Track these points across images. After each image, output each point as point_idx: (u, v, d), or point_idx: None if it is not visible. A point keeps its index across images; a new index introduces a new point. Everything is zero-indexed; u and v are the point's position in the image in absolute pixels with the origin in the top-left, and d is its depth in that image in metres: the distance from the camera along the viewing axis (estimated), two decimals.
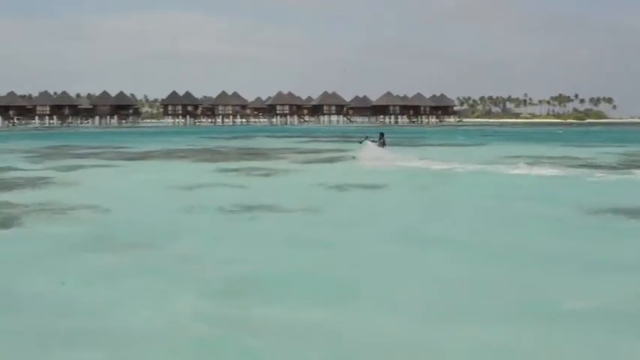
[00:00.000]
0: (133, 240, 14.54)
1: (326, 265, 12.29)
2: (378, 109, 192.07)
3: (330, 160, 39.37)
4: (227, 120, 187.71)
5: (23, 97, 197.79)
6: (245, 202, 20.00)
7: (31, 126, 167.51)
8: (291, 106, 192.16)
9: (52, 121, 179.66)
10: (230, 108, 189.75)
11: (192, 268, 12.08)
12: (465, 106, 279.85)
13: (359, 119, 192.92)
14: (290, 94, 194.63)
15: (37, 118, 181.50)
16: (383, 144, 41.50)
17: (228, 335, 8.67)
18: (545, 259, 12.67)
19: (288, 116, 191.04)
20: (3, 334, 8.77)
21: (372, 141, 41.48)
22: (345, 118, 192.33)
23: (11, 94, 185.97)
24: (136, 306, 9.78)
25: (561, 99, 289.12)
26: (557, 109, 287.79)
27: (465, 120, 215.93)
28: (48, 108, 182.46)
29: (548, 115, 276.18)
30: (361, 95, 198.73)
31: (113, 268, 12.11)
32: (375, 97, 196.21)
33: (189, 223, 16.98)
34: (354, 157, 39.88)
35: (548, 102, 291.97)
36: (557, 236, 15.16)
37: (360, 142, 42.33)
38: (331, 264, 12.38)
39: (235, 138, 79.56)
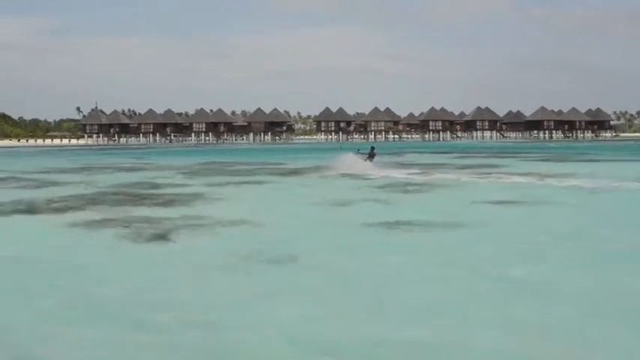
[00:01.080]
0: (276, 256, 14.26)
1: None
2: (532, 125, 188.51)
3: (481, 176, 38.49)
4: (379, 136, 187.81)
5: (180, 114, 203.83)
6: (389, 219, 19.48)
7: (187, 143, 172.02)
8: (443, 121, 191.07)
9: (207, 138, 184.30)
10: (382, 124, 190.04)
11: (336, 285, 11.76)
12: (622, 121, 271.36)
13: (512, 135, 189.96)
14: (443, 109, 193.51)
15: (193, 135, 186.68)
16: (372, 157, 46.21)
17: None
18: None
19: (441, 132, 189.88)
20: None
21: (362, 154, 46.34)
22: (498, 134, 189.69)
23: (168, 112, 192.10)
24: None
25: None
26: None
27: (621, 135, 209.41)
28: (204, 125, 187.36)
29: None
30: (514, 110, 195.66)
31: (257, 284, 11.95)
32: (528, 111, 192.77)
33: (334, 241, 16.57)
34: (328, 167, 43.78)
35: None
36: None
37: (355, 153, 46.31)
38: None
39: (388, 154, 79.20)
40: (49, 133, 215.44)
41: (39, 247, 16.24)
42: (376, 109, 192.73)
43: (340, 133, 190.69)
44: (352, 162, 44.07)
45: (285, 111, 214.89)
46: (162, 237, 16.87)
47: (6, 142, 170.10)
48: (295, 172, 42.86)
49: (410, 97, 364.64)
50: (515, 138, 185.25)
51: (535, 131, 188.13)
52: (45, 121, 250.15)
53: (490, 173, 39.99)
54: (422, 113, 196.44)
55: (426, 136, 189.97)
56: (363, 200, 25.50)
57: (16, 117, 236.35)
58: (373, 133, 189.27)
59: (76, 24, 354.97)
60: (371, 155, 46.59)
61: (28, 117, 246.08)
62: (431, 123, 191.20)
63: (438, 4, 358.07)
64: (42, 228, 19.06)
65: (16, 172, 45.56)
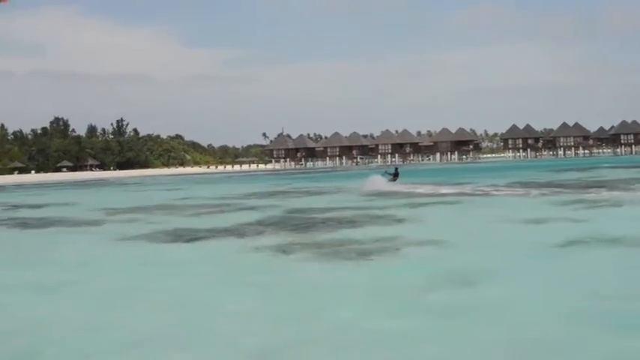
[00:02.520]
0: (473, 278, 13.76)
1: None
2: None
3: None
4: (569, 152, 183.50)
5: (365, 136, 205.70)
6: (585, 236, 18.70)
7: (373, 165, 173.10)
8: (636, 134, 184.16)
9: (393, 159, 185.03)
10: (571, 139, 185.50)
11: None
12: None
13: None
14: (634, 122, 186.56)
15: (379, 156, 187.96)
16: (395, 176, 51.10)
17: None
18: None
19: (633, 146, 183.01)
20: None
21: (388, 174, 51.71)
22: None
23: (354, 134, 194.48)
24: None
25: None
26: None
27: None
28: (389, 146, 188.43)
29: None
30: None
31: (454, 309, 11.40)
32: None
33: (533, 262, 15.72)
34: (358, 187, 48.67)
35: None
36: None
37: (382, 175, 51.96)
38: None
39: (577, 170, 77.04)
40: (237, 159, 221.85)
41: (235, 269, 16.52)
42: (564, 125, 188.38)
43: (528, 150, 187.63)
44: (380, 183, 49.11)
45: (471, 129, 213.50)
46: (350, 259, 16.75)
47: (196, 169, 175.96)
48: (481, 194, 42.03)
49: (600, 110, 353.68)
50: None
51: None
52: (233, 147, 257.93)
53: None
54: (612, 127, 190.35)
55: (618, 150, 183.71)
56: (551, 219, 24.44)
57: (205, 144, 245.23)
58: (562, 148, 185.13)
59: (260, 53, 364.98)
60: (395, 176, 51.39)
61: (217, 144, 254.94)
62: (622, 137, 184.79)
63: (634, 13, 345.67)
64: (237, 251, 19.35)
65: (205, 198, 47.01)
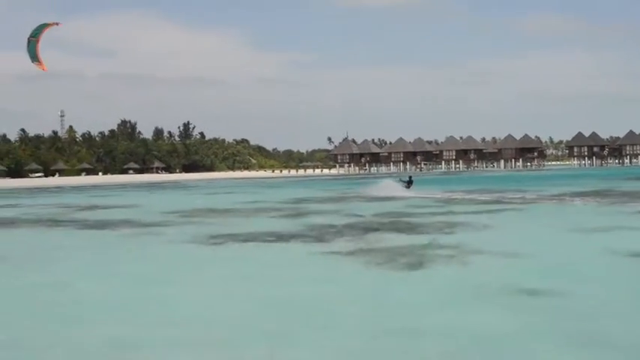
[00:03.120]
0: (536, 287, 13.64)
1: None
2: None
3: None
4: (635, 160, 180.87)
5: (430, 142, 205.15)
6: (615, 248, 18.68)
7: (437, 171, 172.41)
8: None
9: (457, 166, 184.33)
10: (638, 147, 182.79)
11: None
12: None
13: None
14: None
15: (443, 163, 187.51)
16: (409, 184, 53.86)
17: None
18: None
19: None
20: None
21: (403, 181, 55.41)
22: None
23: (418, 140, 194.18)
24: None
25: None
26: None
27: None
28: (454, 153, 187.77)
29: None
30: None
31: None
32: None
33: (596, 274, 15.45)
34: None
35: None
36: None
37: (397, 181, 56.35)
38: None
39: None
40: (301, 164, 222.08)
41: (299, 274, 16.59)
42: (631, 132, 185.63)
43: (594, 157, 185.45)
44: (392, 188, 52.57)
45: (536, 136, 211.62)
46: (412, 266, 16.75)
47: (261, 173, 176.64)
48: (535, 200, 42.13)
49: None
50: None
51: None
52: (298, 151, 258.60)
53: None
54: None
55: None
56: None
57: (270, 148, 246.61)
58: (628, 157, 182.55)
59: (328, 57, 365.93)
60: (409, 183, 54.20)
61: (282, 148, 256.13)
62: None
63: None
64: (298, 256, 19.54)
65: (272, 202, 47.65)
